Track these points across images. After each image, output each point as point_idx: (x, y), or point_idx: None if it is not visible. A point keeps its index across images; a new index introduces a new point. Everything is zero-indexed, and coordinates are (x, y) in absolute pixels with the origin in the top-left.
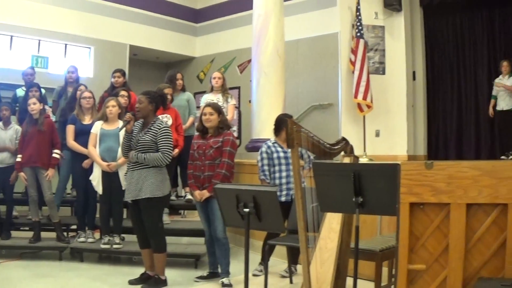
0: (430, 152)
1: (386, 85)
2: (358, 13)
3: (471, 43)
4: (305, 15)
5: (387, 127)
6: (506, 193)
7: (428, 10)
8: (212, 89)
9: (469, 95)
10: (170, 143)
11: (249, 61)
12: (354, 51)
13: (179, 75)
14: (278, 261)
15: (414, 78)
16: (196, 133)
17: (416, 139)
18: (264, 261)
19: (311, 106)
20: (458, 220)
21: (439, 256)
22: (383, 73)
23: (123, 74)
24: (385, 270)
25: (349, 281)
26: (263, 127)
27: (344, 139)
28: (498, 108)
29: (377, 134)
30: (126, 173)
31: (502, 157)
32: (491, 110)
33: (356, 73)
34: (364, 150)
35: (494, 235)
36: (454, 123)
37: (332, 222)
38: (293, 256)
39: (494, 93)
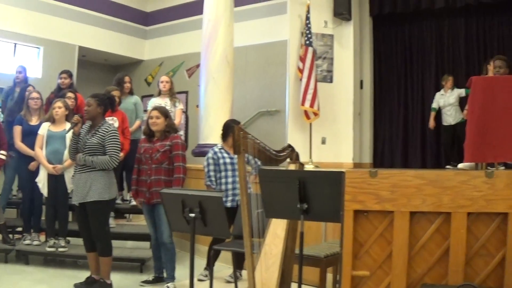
0: (376, 160)
1: (333, 93)
2: (307, 21)
3: (419, 54)
4: (255, 22)
5: (333, 135)
6: (449, 202)
7: (377, 20)
8: (159, 93)
9: (416, 105)
10: (117, 146)
11: (198, 65)
12: (302, 59)
13: (127, 78)
14: (224, 266)
15: (361, 87)
16: (143, 137)
17: (362, 147)
18: (210, 266)
19: (259, 112)
20: (402, 227)
21: (383, 262)
22: (331, 81)
23: (70, 75)
24: (329, 276)
25: (294, 286)
26: (210, 132)
27: (290, 146)
28: (445, 123)
29: (323, 142)
30: (73, 175)
31: (447, 166)
32: (432, 123)
33: (304, 80)
34: (310, 157)
35: (438, 243)
36: (400, 131)
37: (277, 228)
38: (238, 262)
39: (434, 105)
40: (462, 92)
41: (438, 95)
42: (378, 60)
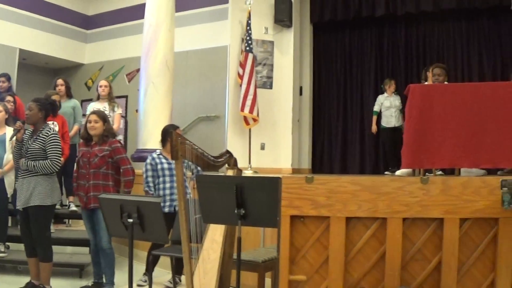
0: (315, 166)
1: (273, 99)
2: (248, 27)
3: (359, 61)
4: (196, 27)
5: (272, 141)
6: (385, 208)
7: (318, 27)
8: (98, 97)
9: (355, 111)
10: (58, 151)
11: (138, 70)
12: (242, 65)
13: (59, 81)
14: (163, 271)
15: (301, 93)
16: (81, 141)
17: (301, 153)
18: (149, 271)
19: (198, 118)
20: (338, 233)
21: (320, 267)
22: (271, 88)
23: (8, 78)
24: (268, 281)
25: None
26: (149, 137)
27: (228, 152)
28: (389, 125)
29: (263, 147)
30: (17, 180)
31: (386, 172)
32: (374, 127)
33: (244, 86)
34: (249, 163)
35: (374, 248)
36: (340, 137)
37: (215, 233)
38: (177, 267)
39: (376, 108)
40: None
41: (381, 97)
42: (318, 66)
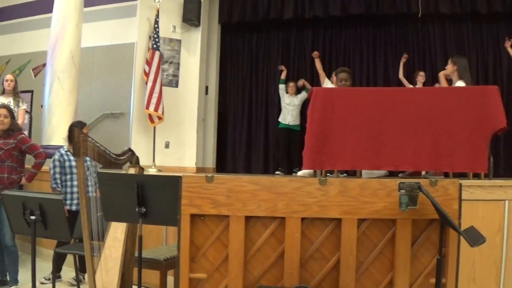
0: (219, 165)
1: (179, 98)
2: (156, 25)
3: (266, 62)
4: (104, 23)
5: (177, 139)
6: (284, 208)
7: (226, 27)
8: (3, 92)
9: (260, 112)
10: None
11: (44, 65)
12: (149, 62)
13: None
14: (68, 269)
15: (206, 93)
16: None
17: (205, 152)
18: (53, 269)
19: (103, 115)
20: (237, 231)
21: (220, 265)
22: (176, 86)
23: None
24: (170, 279)
25: None
26: (53, 134)
27: (130, 150)
28: (284, 122)
29: (167, 146)
30: None
31: (277, 172)
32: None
33: (149, 84)
34: (154, 161)
35: (273, 247)
36: (244, 137)
37: (117, 231)
38: (81, 265)
39: (281, 83)
40: (305, 95)
41: (286, 96)
42: (225, 67)
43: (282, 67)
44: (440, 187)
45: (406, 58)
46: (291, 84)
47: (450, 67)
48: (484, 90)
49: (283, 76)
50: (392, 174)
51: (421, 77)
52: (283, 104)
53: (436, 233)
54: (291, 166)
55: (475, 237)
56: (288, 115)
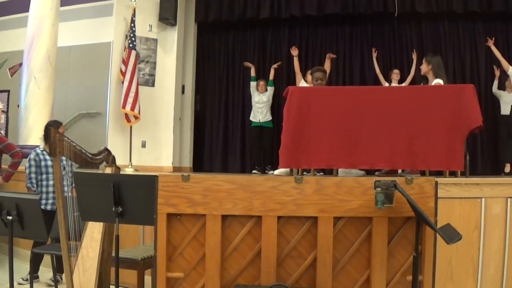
0: (196, 165)
1: (155, 97)
2: (132, 24)
3: (242, 61)
4: (80, 22)
5: (153, 139)
6: (260, 206)
7: (202, 26)
8: None
9: (236, 111)
10: None
11: (21, 64)
12: (125, 62)
13: None
14: (45, 270)
15: (183, 92)
16: None
17: (182, 151)
18: (31, 269)
19: (79, 114)
20: (214, 230)
21: (197, 264)
22: (153, 85)
23: None
24: (148, 279)
25: None
26: (30, 133)
27: (106, 149)
28: (255, 120)
29: (144, 145)
30: None
31: (254, 171)
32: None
33: (126, 83)
34: (130, 161)
35: (250, 245)
36: (221, 137)
37: (94, 231)
38: (58, 265)
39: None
40: (272, 90)
41: (256, 94)
42: (201, 65)
43: (248, 64)
44: (416, 185)
45: (376, 52)
46: (261, 82)
47: (424, 67)
48: (460, 89)
49: (252, 73)
50: (369, 174)
51: (395, 75)
52: (253, 103)
53: (412, 230)
54: (266, 164)
55: (451, 235)
56: (258, 113)
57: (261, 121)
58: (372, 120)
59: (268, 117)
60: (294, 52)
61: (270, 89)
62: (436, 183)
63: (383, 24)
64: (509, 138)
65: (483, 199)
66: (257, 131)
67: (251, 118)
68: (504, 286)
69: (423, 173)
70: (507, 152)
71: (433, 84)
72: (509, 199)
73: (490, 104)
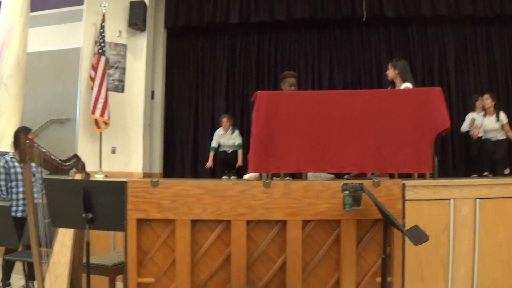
0: (166, 171)
1: (124, 103)
2: (102, 30)
3: (211, 66)
4: (50, 28)
5: (123, 145)
6: (229, 211)
7: (171, 32)
8: None
9: (206, 116)
10: None
11: None
12: (94, 68)
13: None
14: (18, 277)
15: (152, 97)
16: None
17: (152, 157)
18: (3, 277)
19: (50, 120)
20: (183, 235)
21: (167, 269)
22: (122, 91)
23: None
24: (119, 285)
25: None
26: (0, 140)
27: (76, 155)
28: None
29: (114, 151)
30: None
31: (223, 177)
32: (210, 163)
33: (95, 89)
34: (100, 167)
35: (219, 250)
36: (191, 142)
37: (64, 237)
38: (30, 272)
39: (213, 145)
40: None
41: (217, 133)
42: (171, 71)
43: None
44: (384, 188)
45: None
46: (224, 118)
47: (391, 72)
48: (427, 92)
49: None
50: (338, 178)
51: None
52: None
53: (381, 232)
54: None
55: (418, 236)
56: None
57: (228, 152)
58: (340, 124)
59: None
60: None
61: (237, 140)
62: (403, 185)
63: (351, 28)
64: (480, 156)
65: (451, 201)
66: (223, 153)
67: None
68: (475, 286)
69: (392, 176)
70: (476, 168)
71: (401, 88)
72: (477, 200)
73: (460, 106)
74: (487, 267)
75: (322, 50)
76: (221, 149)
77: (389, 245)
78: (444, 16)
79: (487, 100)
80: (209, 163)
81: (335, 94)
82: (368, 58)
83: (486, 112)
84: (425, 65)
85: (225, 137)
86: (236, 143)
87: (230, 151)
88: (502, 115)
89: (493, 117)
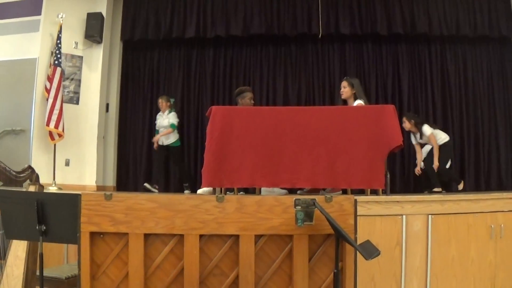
0: (120, 184)
1: (79, 115)
2: (58, 41)
3: (167, 80)
4: (6, 38)
5: (77, 157)
6: (182, 225)
7: (128, 44)
8: None
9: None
10: None
11: None
12: (50, 79)
13: None
14: None
15: (107, 110)
16: None
17: (105, 170)
18: None
19: (4, 131)
20: (136, 249)
21: (121, 283)
22: (77, 103)
23: None
24: None
25: None
26: None
27: (30, 167)
28: (160, 143)
29: (67, 163)
30: None
31: (186, 191)
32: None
33: (50, 100)
34: (54, 179)
35: (172, 263)
36: (144, 155)
37: (18, 249)
38: None
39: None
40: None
41: (158, 116)
42: (126, 83)
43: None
44: (336, 203)
45: None
46: (160, 99)
47: (348, 90)
48: (380, 109)
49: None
50: (291, 193)
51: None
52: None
53: (333, 247)
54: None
55: (369, 251)
56: (162, 137)
57: (164, 143)
58: (294, 139)
59: (172, 140)
60: None
61: (172, 116)
62: (355, 201)
63: (307, 45)
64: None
65: (404, 216)
66: (164, 149)
67: (160, 142)
68: None
69: (344, 192)
70: (428, 184)
71: (354, 105)
72: (429, 216)
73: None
74: (439, 282)
75: (277, 66)
76: (156, 131)
77: (341, 259)
78: (399, 34)
79: (404, 124)
80: (155, 145)
81: (289, 110)
82: (322, 75)
83: (413, 133)
84: (379, 82)
85: (161, 118)
86: (170, 122)
87: (171, 147)
88: (425, 128)
89: (418, 135)
